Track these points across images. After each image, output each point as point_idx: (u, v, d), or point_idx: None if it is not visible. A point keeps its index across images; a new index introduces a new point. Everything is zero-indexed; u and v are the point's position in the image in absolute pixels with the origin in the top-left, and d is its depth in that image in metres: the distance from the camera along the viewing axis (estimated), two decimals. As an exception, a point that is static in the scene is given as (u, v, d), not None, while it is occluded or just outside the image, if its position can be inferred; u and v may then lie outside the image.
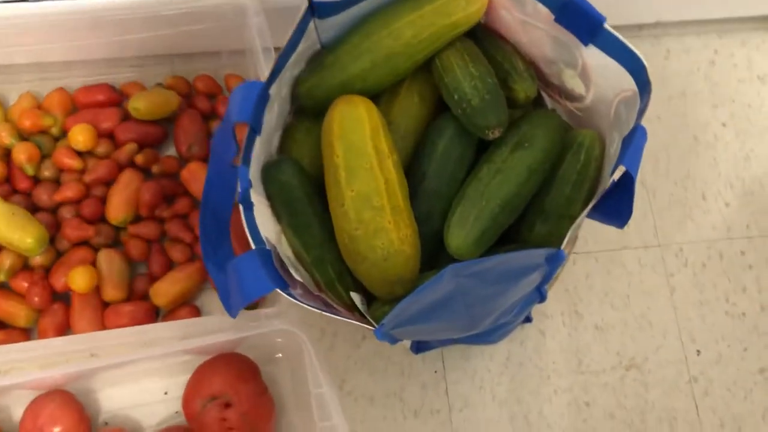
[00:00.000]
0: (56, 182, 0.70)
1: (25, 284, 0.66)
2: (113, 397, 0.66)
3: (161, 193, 0.70)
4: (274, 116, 0.57)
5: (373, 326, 0.49)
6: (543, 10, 0.55)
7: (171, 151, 0.75)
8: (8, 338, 0.65)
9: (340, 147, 0.53)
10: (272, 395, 0.65)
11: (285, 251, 0.54)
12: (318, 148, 0.56)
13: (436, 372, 0.71)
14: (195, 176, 0.70)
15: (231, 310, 0.51)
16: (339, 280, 0.55)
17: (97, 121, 0.71)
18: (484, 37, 0.61)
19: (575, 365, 0.72)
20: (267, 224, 0.53)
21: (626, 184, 0.50)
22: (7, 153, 0.71)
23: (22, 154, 0.69)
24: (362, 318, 0.54)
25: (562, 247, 0.47)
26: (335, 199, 0.53)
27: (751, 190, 0.81)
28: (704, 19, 0.87)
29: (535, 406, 0.70)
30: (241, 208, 0.50)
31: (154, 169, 0.71)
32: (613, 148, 0.55)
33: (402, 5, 0.58)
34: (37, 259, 0.67)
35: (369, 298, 0.57)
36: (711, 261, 0.77)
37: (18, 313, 0.65)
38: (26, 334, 0.67)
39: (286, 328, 0.61)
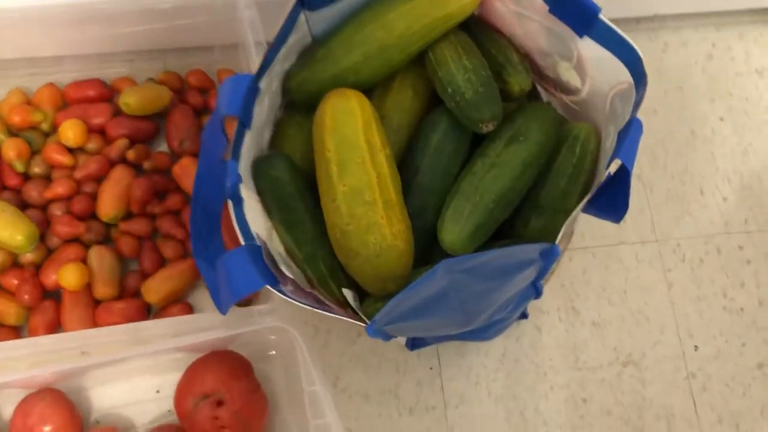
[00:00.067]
0: (46, 179, 0.70)
1: (15, 282, 0.65)
2: (105, 396, 0.65)
3: (153, 189, 0.69)
4: (264, 110, 0.56)
5: (365, 323, 0.49)
6: (537, 1, 0.54)
7: (163, 146, 0.74)
8: (-2, 336, 0.64)
9: (332, 141, 0.52)
10: (266, 393, 0.64)
11: (276, 247, 0.54)
12: (310, 143, 0.56)
13: (431, 369, 0.70)
14: (187, 172, 0.69)
15: (221, 307, 0.50)
16: (331, 277, 0.55)
17: (88, 117, 0.71)
18: (478, 29, 0.60)
19: (572, 361, 0.71)
20: (257, 220, 0.52)
21: (622, 178, 0.49)
22: (-3, 149, 0.70)
23: (11, 150, 0.68)
24: (355, 315, 0.53)
25: (557, 241, 0.46)
26: (327, 194, 0.53)
27: (749, 185, 0.80)
28: (702, 12, 0.86)
29: (532, 402, 0.69)
30: (229, 203, 0.49)
31: (146, 165, 0.71)
32: (609, 141, 0.54)
33: (395, -4, 0.57)
34: (28, 257, 0.66)
35: (362, 294, 0.56)
36: (709, 256, 0.77)
37: (8, 311, 0.65)
38: (16, 332, 0.66)
39: (279, 326, 0.60)
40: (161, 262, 0.69)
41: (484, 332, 0.64)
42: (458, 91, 0.54)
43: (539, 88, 0.64)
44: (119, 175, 0.69)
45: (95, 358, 0.60)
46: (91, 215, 0.68)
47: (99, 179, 0.69)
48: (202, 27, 0.70)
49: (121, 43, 0.74)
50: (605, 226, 0.75)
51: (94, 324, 0.65)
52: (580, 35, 0.53)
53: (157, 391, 0.66)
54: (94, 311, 0.66)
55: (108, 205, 0.67)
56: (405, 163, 0.57)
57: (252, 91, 0.51)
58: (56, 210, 0.67)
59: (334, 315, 0.50)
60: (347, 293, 0.53)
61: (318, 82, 0.57)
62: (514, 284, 0.50)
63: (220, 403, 0.60)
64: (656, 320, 0.74)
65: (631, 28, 0.86)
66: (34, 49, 0.73)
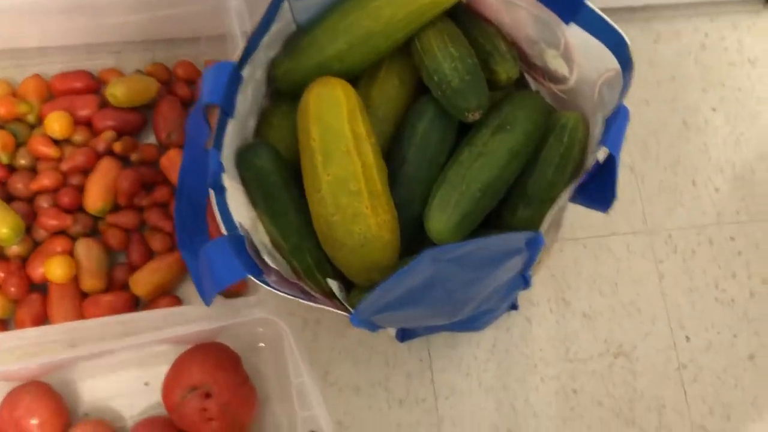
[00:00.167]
0: (32, 171, 0.69)
1: (2, 274, 0.65)
2: (93, 389, 0.65)
3: (140, 181, 0.68)
4: (248, 99, 0.55)
5: (350, 314, 0.48)
6: (524, -12, 0.54)
7: (150, 138, 0.73)
8: (-16, 329, 0.64)
9: (317, 130, 0.52)
10: (255, 385, 0.64)
11: (261, 238, 0.53)
12: (295, 133, 0.55)
13: (421, 360, 0.70)
14: (174, 164, 0.68)
15: (205, 298, 0.49)
16: (317, 268, 0.54)
17: (74, 109, 0.70)
18: (465, 17, 0.59)
19: (563, 353, 0.71)
20: (241, 210, 0.52)
21: (609, 166, 0.49)
22: (-18, 141, 0.69)
23: (-4, 142, 0.67)
24: (341, 306, 0.53)
25: (542, 230, 0.46)
26: (311, 184, 0.52)
27: (741, 175, 0.79)
28: (695, 2, 0.85)
29: (522, 393, 0.69)
30: (211, 192, 0.49)
31: (133, 157, 0.70)
32: (598, 130, 0.54)
33: (380, -17, 0.56)
34: (14, 249, 0.65)
35: (349, 285, 0.56)
36: (700, 247, 0.76)
37: (-6, 303, 0.64)
38: (3, 325, 0.65)
39: (267, 318, 0.60)
40: (149, 255, 0.68)
41: (473, 323, 0.64)
42: (444, 79, 0.54)
43: (528, 77, 0.63)
44: (106, 168, 0.68)
45: (81, 349, 0.60)
46: (78, 208, 0.68)
47: (86, 171, 0.69)
48: (189, 17, 0.70)
49: (108, 34, 0.74)
50: (596, 216, 0.74)
51: (82, 317, 0.65)
52: (567, 22, 0.52)
53: (146, 384, 0.66)
54: (82, 304, 0.65)
55: (95, 198, 0.67)
56: (391, 152, 0.57)
57: (234, 79, 0.51)
58: (43, 202, 0.67)
59: (320, 306, 0.50)
60: (332, 284, 0.52)
61: (303, 71, 0.56)
62: (501, 274, 0.50)
63: (207, 395, 0.59)
64: (647, 311, 0.73)
65: (623, 18, 0.85)
66: (20, 39, 0.72)
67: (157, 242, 0.68)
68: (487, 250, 0.47)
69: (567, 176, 0.56)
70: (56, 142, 0.70)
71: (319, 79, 0.54)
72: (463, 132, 0.57)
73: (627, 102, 0.49)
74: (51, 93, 0.72)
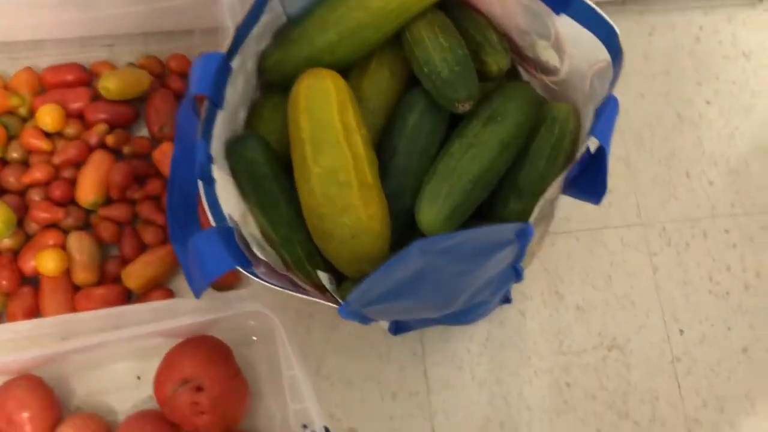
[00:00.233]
0: (24, 164, 0.69)
1: (-7, 268, 0.65)
2: (85, 382, 0.65)
3: (132, 174, 0.68)
4: (238, 90, 0.55)
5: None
6: (515, -21, 0.54)
7: (143, 131, 0.73)
8: (-24, 322, 0.64)
9: (306, 121, 0.51)
10: (247, 379, 0.64)
11: (251, 230, 0.53)
12: (286, 124, 0.55)
13: (414, 354, 0.70)
14: (167, 157, 0.68)
15: (195, 290, 0.49)
16: (308, 260, 0.54)
17: (66, 101, 0.70)
18: (456, 8, 0.59)
19: (556, 346, 0.71)
20: (231, 201, 0.52)
21: (600, 158, 0.48)
22: (-26, 135, 0.69)
23: (-12, 135, 0.67)
24: (331, 298, 0.52)
25: (531, 221, 0.46)
26: (301, 176, 0.52)
27: (735, 168, 0.79)
28: (690, -5, 0.85)
29: (515, 386, 0.69)
30: (199, 183, 0.48)
31: (126, 150, 0.70)
32: (588, 121, 0.54)
33: (370, -26, 0.56)
34: (5, 242, 0.65)
35: (340, 277, 0.56)
36: (695, 240, 0.76)
37: (-15, 297, 0.64)
38: (-6, 318, 0.66)
39: (258, 310, 0.60)
40: (141, 248, 0.68)
41: (465, 315, 0.64)
42: (434, 70, 0.54)
43: (519, 68, 0.63)
44: (98, 161, 0.68)
45: (72, 342, 0.60)
46: (70, 201, 0.68)
47: (78, 164, 0.68)
48: (182, 10, 0.70)
49: (101, 27, 0.73)
50: (590, 209, 0.74)
51: (74, 310, 0.64)
52: (557, 12, 0.52)
53: (138, 378, 0.66)
54: (74, 297, 0.65)
55: (87, 191, 0.67)
56: (382, 144, 0.57)
57: (223, 70, 0.51)
58: (34, 195, 0.67)
59: (310, 298, 0.50)
60: (322, 276, 0.52)
61: (293, 63, 0.56)
62: (492, 265, 0.50)
63: (199, 389, 0.59)
64: (641, 304, 0.73)
65: (617, 11, 0.85)
66: (12, 32, 0.72)
67: (149, 235, 0.67)
68: (477, 242, 0.46)
69: (558, 168, 0.55)
70: (48, 135, 0.69)
71: (310, 70, 0.54)
72: (454, 123, 0.57)
73: (621, 95, 0.49)
74: (43, 86, 0.72)
